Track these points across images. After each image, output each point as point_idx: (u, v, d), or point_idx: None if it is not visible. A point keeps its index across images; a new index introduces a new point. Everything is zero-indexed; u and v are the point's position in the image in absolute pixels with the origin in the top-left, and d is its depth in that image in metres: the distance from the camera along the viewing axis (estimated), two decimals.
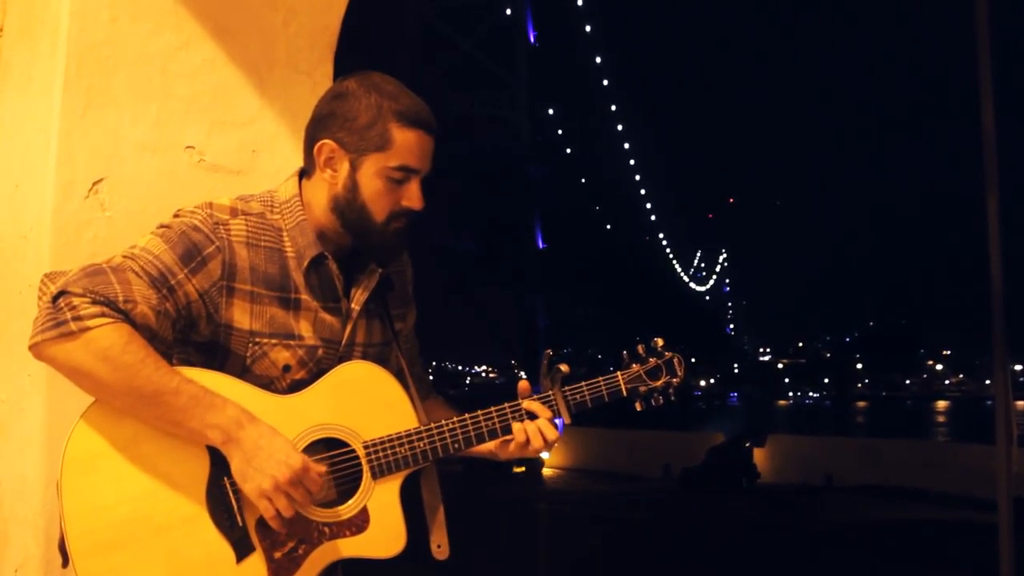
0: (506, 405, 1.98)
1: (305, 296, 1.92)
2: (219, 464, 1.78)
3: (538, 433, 1.98)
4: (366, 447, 1.89)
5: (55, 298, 1.70)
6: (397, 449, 1.90)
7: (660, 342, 2.07)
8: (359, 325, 1.99)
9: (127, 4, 2.52)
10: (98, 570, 1.71)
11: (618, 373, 2.04)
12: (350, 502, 1.87)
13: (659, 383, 2.05)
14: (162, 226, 1.86)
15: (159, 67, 2.56)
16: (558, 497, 17.64)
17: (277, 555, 1.80)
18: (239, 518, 1.79)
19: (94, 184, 2.42)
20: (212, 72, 2.66)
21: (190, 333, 1.86)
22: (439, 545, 1.99)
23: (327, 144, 1.90)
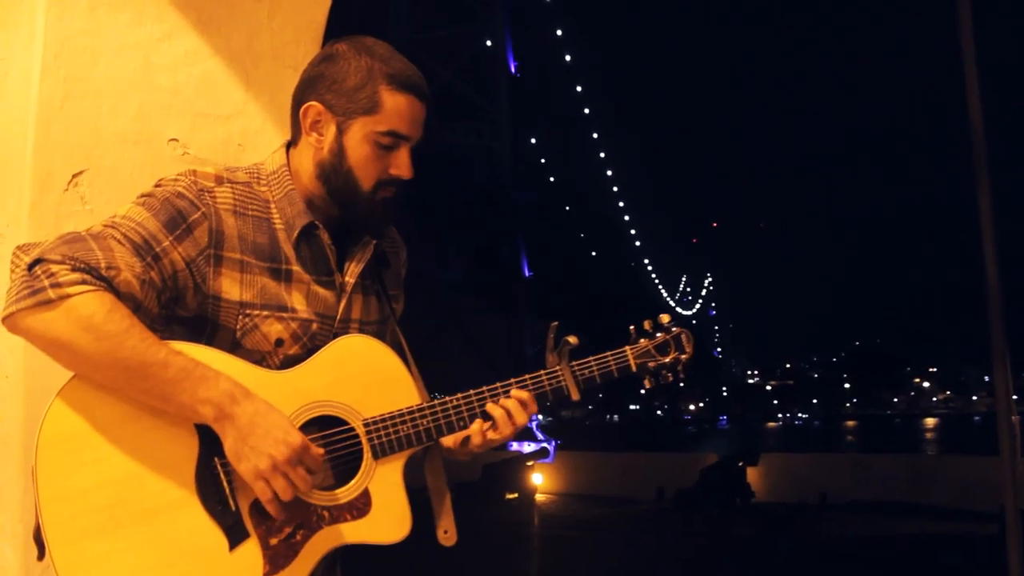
0: (511, 380, 1.89)
1: (297, 268, 1.82)
2: (209, 443, 1.66)
3: (519, 406, 1.87)
4: (366, 425, 1.78)
5: (31, 266, 1.59)
6: (399, 427, 1.79)
7: (667, 318, 1.99)
8: (355, 300, 1.90)
9: None
10: (77, 561, 1.58)
11: (627, 348, 1.95)
12: (350, 484, 1.76)
13: (668, 359, 1.97)
14: (143, 195, 1.77)
15: (140, 58, 2.49)
16: (552, 522, 17.44)
17: (273, 541, 1.69)
18: (232, 502, 1.67)
19: (74, 177, 2.34)
20: (195, 64, 2.60)
21: (176, 308, 1.75)
22: (446, 531, 1.89)
23: (313, 106, 1.82)
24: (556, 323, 1.92)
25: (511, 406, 1.87)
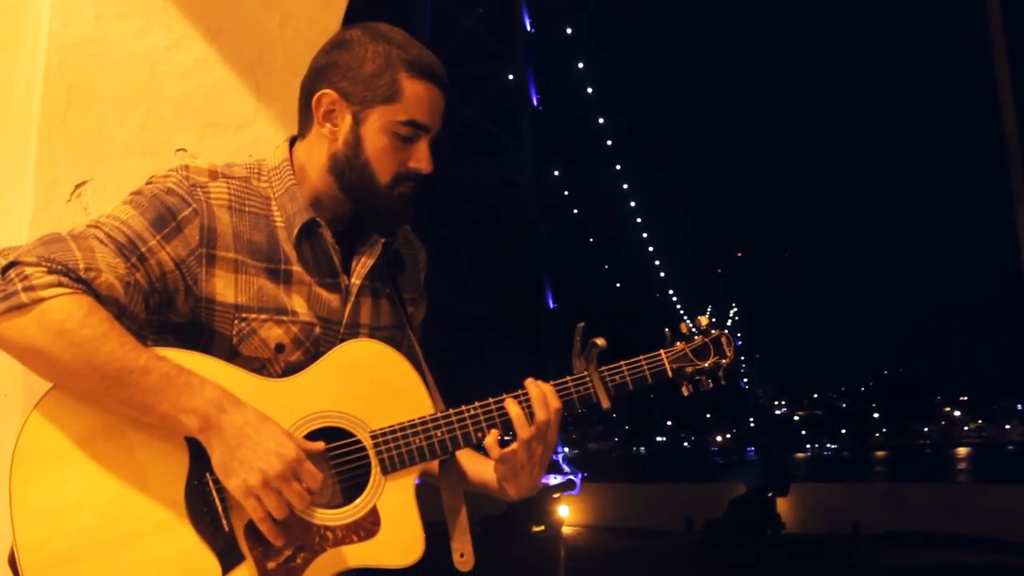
0: (537, 381, 1.75)
1: (298, 268, 1.70)
2: (200, 458, 1.53)
3: (541, 400, 1.71)
4: (374, 437, 1.64)
5: (5, 269, 1.48)
6: (411, 439, 1.65)
7: (705, 320, 1.87)
8: (362, 304, 1.77)
9: (113, 2, 2.40)
10: None
11: (661, 351, 1.82)
12: (357, 501, 1.62)
13: (707, 364, 1.84)
14: (133, 192, 1.66)
15: (147, 67, 2.42)
16: (580, 554, 17.20)
17: (271, 565, 1.55)
18: (224, 522, 1.54)
19: (76, 187, 2.26)
20: (204, 73, 2.53)
21: (167, 313, 1.63)
22: (462, 554, 1.73)
23: (327, 94, 1.71)
24: (583, 324, 1.78)
25: (533, 395, 1.72)
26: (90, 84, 2.32)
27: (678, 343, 1.85)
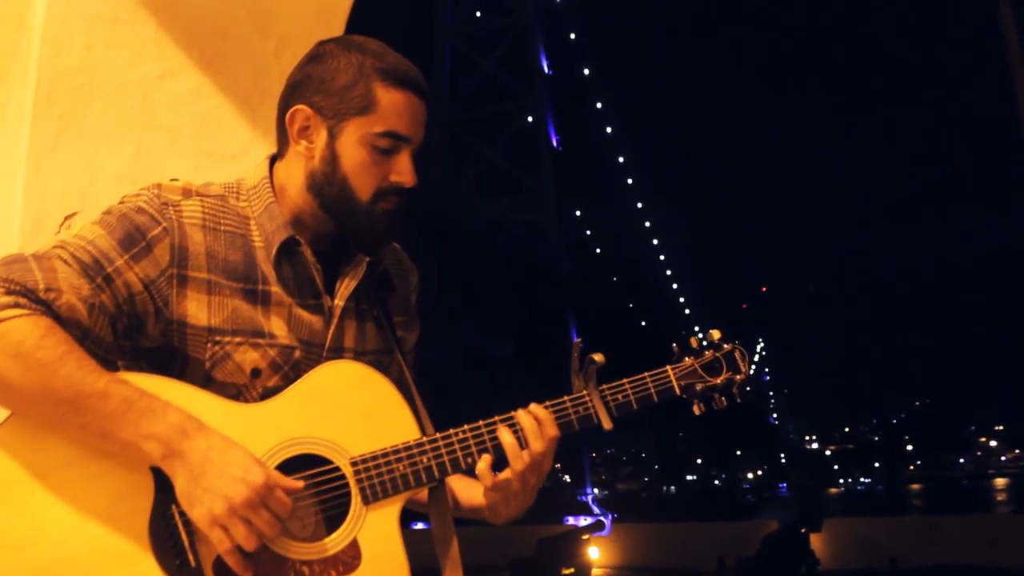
0: (531, 406, 1.65)
1: (276, 289, 1.61)
2: (165, 489, 1.43)
3: (535, 427, 1.61)
4: (355, 464, 1.54)
5: None
6: (394, 466, 1.55)
7: (717, 334, 1.75)
8: (346, 327, 1.68)
9: (104, 31, 2.36)
10: None
11: (668, 367, 1.71)
12: (336, 534, 1.51)
13: (719, 380, 1.72)
14: (104, 212, 1.59)
15: (140, 96, 2.38)
16: None
17: None
18: (191, 556, 1.44)
19: (66, 218, 2.21)
20: (199, 101, 2.49)
21: (138, 337, 1.55)
22: None
23: (301, 110, 1.63)
24: (579, 341, 1.68)
25: (526, 425, 1.62)
26: (81, 114, 2.29)
27: (687, 358, 1.74)
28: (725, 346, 1.76)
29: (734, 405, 1.75)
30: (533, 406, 1.65)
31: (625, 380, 1.68)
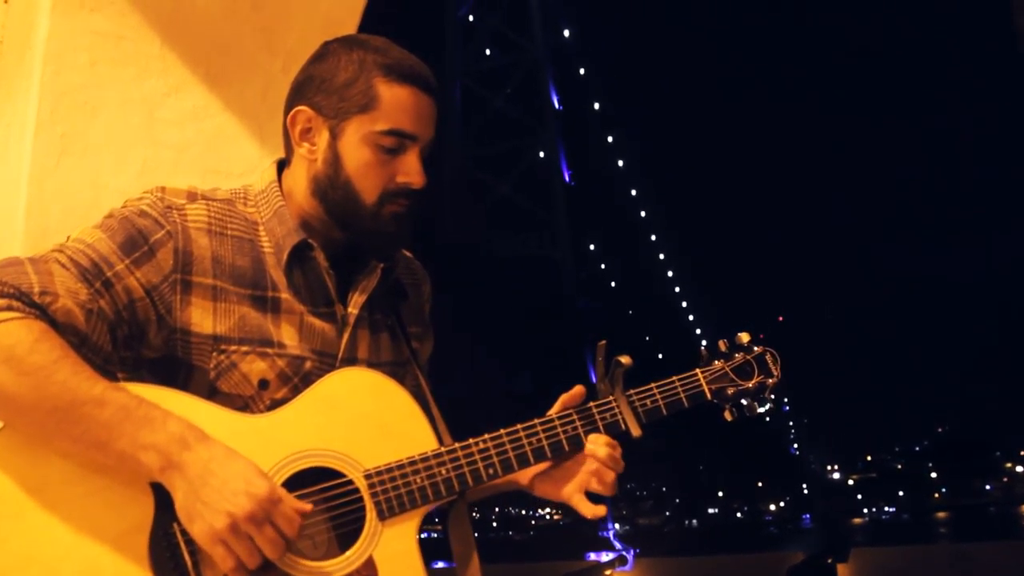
0: (555, 417, 1.56)
1: (287, 296, 1.53)
2: (166, 506, 1.35)
3: (609, 451, 1.55)
4: (369, 478, 1.45)
5: None
6: (411, 479, 1.46)
7: (746, 336, 1.67)
8: (360, 336, 1.60)
9: (108, 49, 2.32)
10: None
11: (697, 370, 1.63)
12: (350, 552, 1.43)
13: (751, 384, 1.64)
14: (105, 216, 1.52)
15: (144, 113, 2.34)
16: None
17: None
18: None
19: (69, 238, 2.15)
20: (205, 119, 2.44)
21: (139, 347, 1.48)
22: None
23: (302, 111, 1.57)
24: (604, 342, 1.59)
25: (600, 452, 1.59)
26: (84, 131, 2.25)
27: (716, 361, 1.66)
28: (756, 349, 1.69)
29: (766, 408, 1.66)
30: (600, 442, 1.59)
31: (653, 384, 1.60)
